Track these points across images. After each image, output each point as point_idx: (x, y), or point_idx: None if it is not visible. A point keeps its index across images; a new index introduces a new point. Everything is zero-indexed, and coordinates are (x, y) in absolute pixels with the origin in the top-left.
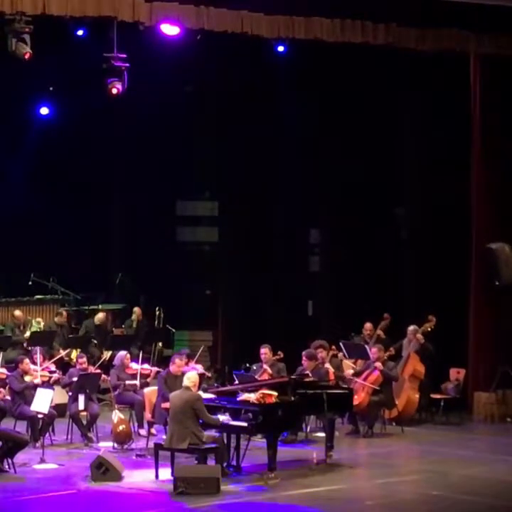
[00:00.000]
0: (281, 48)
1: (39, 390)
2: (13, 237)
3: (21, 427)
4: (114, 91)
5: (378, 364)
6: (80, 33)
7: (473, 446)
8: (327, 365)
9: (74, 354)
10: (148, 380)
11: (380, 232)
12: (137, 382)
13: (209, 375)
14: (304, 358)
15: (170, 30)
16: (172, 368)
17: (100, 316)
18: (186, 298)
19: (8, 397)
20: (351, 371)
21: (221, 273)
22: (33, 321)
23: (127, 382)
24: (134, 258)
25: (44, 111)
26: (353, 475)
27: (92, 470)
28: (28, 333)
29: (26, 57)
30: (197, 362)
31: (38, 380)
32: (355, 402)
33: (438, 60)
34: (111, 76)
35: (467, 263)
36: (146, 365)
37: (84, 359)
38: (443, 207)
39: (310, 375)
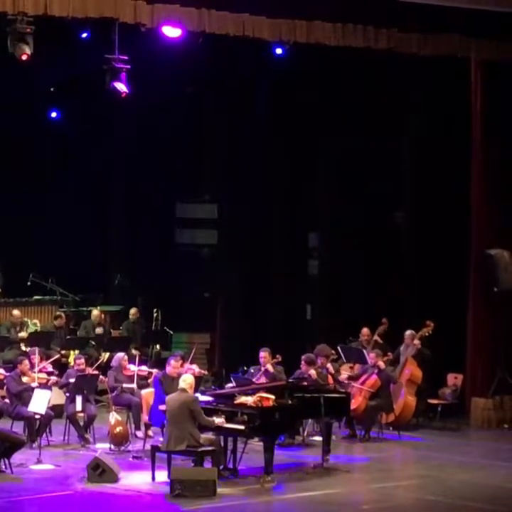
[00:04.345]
0: (279, 51)
1: (36, 391)
2: (12, 237)
3: (18, 428)
4: (123, 95)
5: (381, 363)
6: (84, 35)
7: (470, 452)
8: (328, 366)
9: (71, 356)
10: (149, 381)
11: (379, 237)
12: (134, 385)
13: (205, 372)
14: (302, 362)
15: (171, 32)
16: (168, 369)
17: (95, 312)
18: (185, 300)
19: (5, 396)
20: (346, 375)
21: (220, 276)
22: (29, 322)
23: (124, 385)
24: (132, 260)
25: (53, 114)
26: (350, 479)
27: (89, 471)
28: (23, 333)
29: (23, 58)
30: (192, 362)
31: (35, 384)
32: (353, 406)
33: (438, 62)
34: (116, 78)
35: (466, 269)
36: (143, 367)
37: (82, 360)
38: (442, 212)
39: (312, 376)
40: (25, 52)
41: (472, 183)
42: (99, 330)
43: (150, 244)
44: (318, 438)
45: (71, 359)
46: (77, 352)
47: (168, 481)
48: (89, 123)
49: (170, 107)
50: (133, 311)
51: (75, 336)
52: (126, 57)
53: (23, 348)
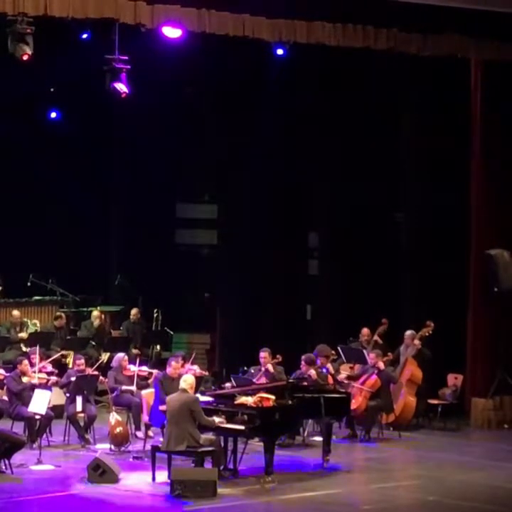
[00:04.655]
0: (280, 52)
1: (37, 391)
2: (12, 237)
3: (18, 428)
4: (123, 95)
5: (381, 363)
6: (85, 36)
7: (470, 452)
8: (329, 366)
9: (70, 357)
10: (149, 381)
11: (379, 237)
12: (134, 388)
13: (206, 373)
14: (302, 362)
15: (171, 32)
16: (168, 370)
17: (96, 313)
18: (185, 300)
19: (6, 398)
20: (345, 375)
21: (220, 276)
22: (29, 322)
23: (123, 387)
24: (132, 260)
25: (52, 114)
26: (350, 479)
27: (89, 472)
28: (23, 334)
29: (24, 58)
30: (193, 363)
31: (35, 381)
32: (353, 406)
33: (438, 63)
34: (116, 79)
35: (466, 269)
36: (144, 367)
37: (82, 361)
38: (442, 212)
39: (312, 376)
40: (27, 52)
41: (472, 182)
42: (96, 322)
43: (150, 244)
44: (319, 438)
45: (69, 360)
46: (72, 352)
47: (169, 481)
48: (89, 123)
49: (170, 107)
50: (134, 311)
51: (75, 337)
52: (126, 58)
53: (24, 348)
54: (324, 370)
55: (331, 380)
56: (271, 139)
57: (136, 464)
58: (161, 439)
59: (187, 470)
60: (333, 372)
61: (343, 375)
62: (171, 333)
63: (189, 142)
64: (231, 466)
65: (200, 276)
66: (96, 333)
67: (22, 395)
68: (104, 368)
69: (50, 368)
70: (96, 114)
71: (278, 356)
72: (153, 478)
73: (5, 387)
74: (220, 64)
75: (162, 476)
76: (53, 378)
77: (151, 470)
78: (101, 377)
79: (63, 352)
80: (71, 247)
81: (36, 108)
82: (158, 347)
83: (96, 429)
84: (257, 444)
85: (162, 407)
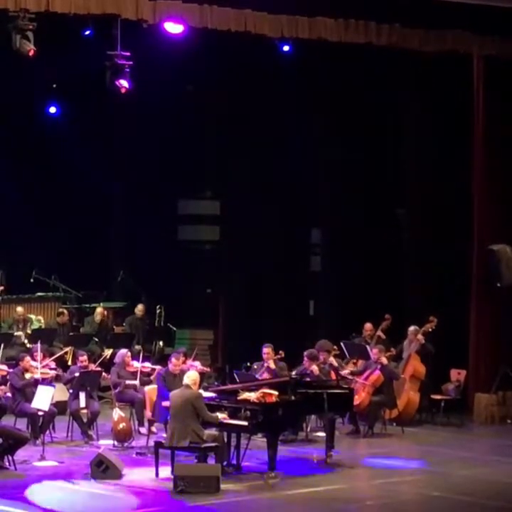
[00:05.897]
0: (286, 48)
1: (40, 387)
2: (14, 234)
3: (22, 424)
4: (123, 90)
5: (384, 359)
6: (87, 33)
7: (474, 448)
8: (331, 360)
9: (70, 353)
10: (152, 378)
11: (381, 233)
12: (137, 382)
13: (208, 370)
14: (305, 358)
15: (173, 28)
16: (170, 366)
17: (99, 310)
18: (187, 296)
19: (9, 394)
20: (348, 371)
21: (222, 272)
22: (33, 318)
23: (127, 381)
24: (135, 256)
25: (52, 110)
26: (353, 475)
27: (92, 468)
28: (23, 334)
29: (30, 54)
30: (195, 359)
31: (38, 376)
32: (356, 402)
33: (439, 60)
34: (118, 75)
35: (468, 264)
36: (147, 363)
37: (85, 357)
38: (444, 208)
39: (314, 372)
40: (32, 48)
41: (474, 178)
42: (99, 319)
43: (152, 240)
44: (322, 434)
45: (69, 357)
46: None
47: (172, 477)
48: (90, 119)
49: (172, 102)
50: (140, 307)
51: (78, 333)
52: (128, 54)
53: (27, 345)
54: (326, 367)
55: (333, 375)
56: (273, 136)
57: (140, 460)
58: (164, 435)
59: (190, 466)
60: (336, 365)
61: (346, 371)
62: (174, 329)
63: (191, 138)
64: (234, 461)
65: (203, 273)
66: (99, 330)
67: (25, 391)
68: (107, 364)
69: (53, 365)
70: (97, 110)
71: (281, 352)
72: (157, 474)
73: (8, 384)
74: (222, 60)
75: (165, 471)
76: (53, 372)
77: (155, 466)
78: (104, 374)
79: (66, 349)
80: (73, 243)
81: (38, 105)
82: (161, 343)
83: (99, 425)
84: (260, 440)
85: (165, 403)
